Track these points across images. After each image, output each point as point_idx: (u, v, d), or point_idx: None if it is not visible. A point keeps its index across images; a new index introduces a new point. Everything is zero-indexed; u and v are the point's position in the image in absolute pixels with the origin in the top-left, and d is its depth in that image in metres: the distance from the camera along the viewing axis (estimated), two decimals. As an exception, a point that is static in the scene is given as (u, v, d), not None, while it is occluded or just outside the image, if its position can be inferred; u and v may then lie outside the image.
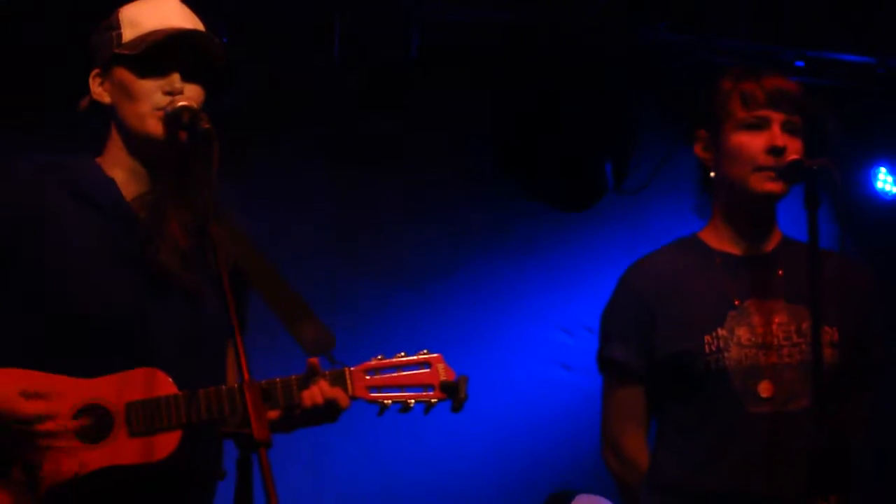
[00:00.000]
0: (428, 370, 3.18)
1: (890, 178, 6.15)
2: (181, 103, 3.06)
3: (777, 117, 3.48)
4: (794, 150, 3.47)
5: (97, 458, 2.98)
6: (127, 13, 3.17)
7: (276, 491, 2.63)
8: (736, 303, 3.51)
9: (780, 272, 3.55)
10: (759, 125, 3.49)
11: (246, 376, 2.73)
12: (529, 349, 5.87)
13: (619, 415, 3.63)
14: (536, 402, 5.77)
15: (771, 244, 3.59)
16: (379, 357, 3.18)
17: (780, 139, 3.46)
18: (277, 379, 3.10)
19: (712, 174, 3.58)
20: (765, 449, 3.41)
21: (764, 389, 3.45)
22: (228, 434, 2.92)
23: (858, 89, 5.91)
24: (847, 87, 5.89)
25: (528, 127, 5.72)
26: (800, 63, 5.74)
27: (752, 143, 3.48)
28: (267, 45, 5.30)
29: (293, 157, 5.54)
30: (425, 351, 3.20)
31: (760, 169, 3.47)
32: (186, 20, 3.18)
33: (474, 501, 5.63)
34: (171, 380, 3.02)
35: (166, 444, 2.97)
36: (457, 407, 3.15)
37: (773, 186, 3.48)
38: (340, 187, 5.65)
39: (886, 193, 6.16)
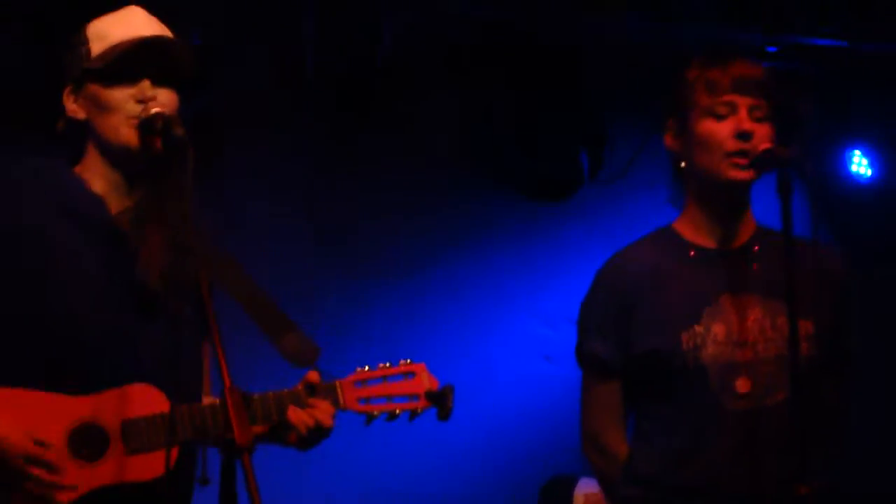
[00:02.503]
0: (413, 379, 3.28)
1: (865, 161, 6.16)
2: (154, 110, 3.09)
3: (743, 102, 3.48)
4: (762, 135, 3.47)
5: (96, 477, 3.00)
6: (94, 28, 3.20)
7: (260, 495, 2.66)
8: (711, 299, 3.51)
9: (755, 266, 3.55)
10: (726, 111, 3.48)
11: (227, 382, 2.76)
12: (510, 342, 5.88)
13: (597, 409, 3.63)
14: (519, 395, 5.78)
15: (745, 235, 3.59)
16: (365, 368, 3.27)
17: (748, 123, 3.46)
18: (270, 393, 3.18)
19: (683, 164, 3.59)
20: (743, 443, 3.43)
21: (741, 385, 3.46)
22: (210, 440, 2.95)
23: (831, 73, 5.92)
24: (820, 72, 5.90)
25: (502, 120, 5.73)
26: (772, 48, 5.75)
27: (720, 129, 3.48)
28: (239, 47, 5.30)
29: (267, 158, 5.53)
30: (408, 360, 3.28)
31: (730, 155, 3.47)
32: (153, 28, 3.20)
33: (460, 495, 5.64)
34: (164, 396, 3.03)
35: (165, 460, 2.98)
36: (444, 416, 3.27)
37: (744, 174, 3.48)
38: (315, 187, 5.65)
39: (861, 176, 6.17)
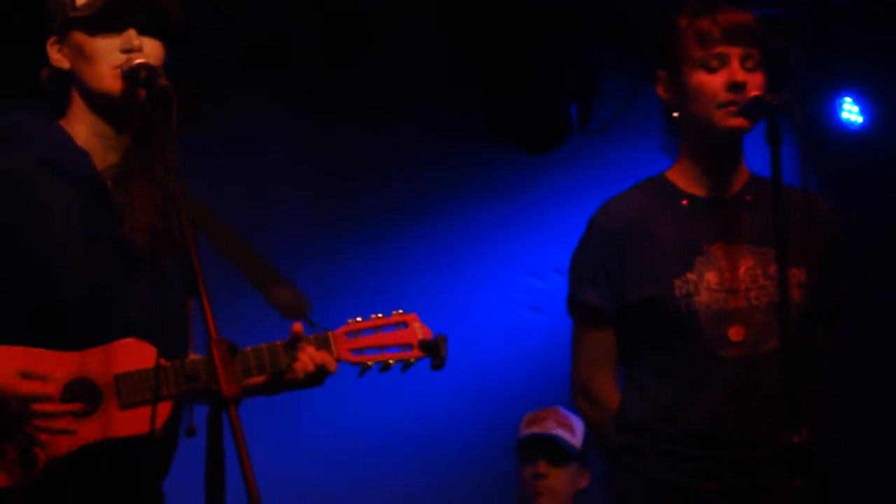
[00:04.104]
0: (406, 329, 3.28)
1: (855, 108, 6.15)
2: (138, 60, 3.07)
3: (735, 52, 3.46)
4: (754, 84, 3.46)
5: (90, 431, 2.99)
6: None
7: (248, 447, 2.65)
8: (704, 247, 3.51)
9: (747, 215, 3.55)
10: (718, 63, 3.47)
11: (214, 334, 2.75)
12: (499, 293, 5.88)
13: (589, 358, 3.63)
14: (508, 346, 5.79)
15: (738, 184, 3.59)
16: (357, 319, 3.27)
17: (740, 74, 3.45)
18: (263, 345, 3.16)
19: (675, 114, 3.58)
20: (736, 390, 3.44)
21: (734, 333, 3.46)
22: (198, 391, 2.95)
23: (822, 19, 5.89)
24: (810, 18, 5.87)
25: (491, 70, 5.71)
26: (762, -6, 5.72)
27: (712, 81, 3.47)
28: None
29: (252, 111, 5.50)
30: (401, 310, 3.28)
31: (723, 105, 3.46)
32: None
33: (450, 444, 5.66)
34: (155, 350, 3.02)
35: (159, 414, 2.98)
36: (438, 365, 3.27)
37: (738, 122, 3.46)
38: (301, 139, 5.62)
39: (852, 124, 6.16)
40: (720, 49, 3.47)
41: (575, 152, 5.83)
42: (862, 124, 6.15)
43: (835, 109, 6.15)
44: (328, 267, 5.48)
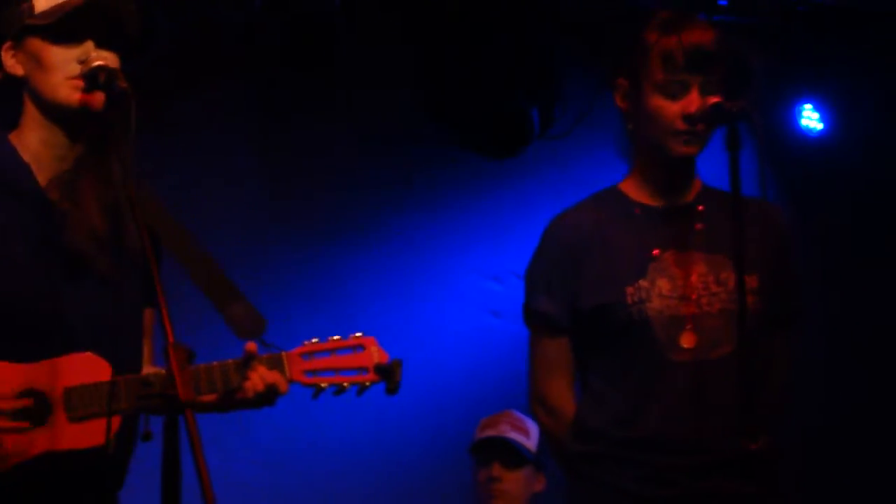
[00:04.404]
0: (362, 352, 3.26)
1: (815, 115, 6.18)
2: (97, 63, 3.05)
3: (695, 80, 3.47)
4: None
5: (38, 443, 2.97)
6: None
7: (204, 452, 2.64)
8: (656, 254, 3.54)
9: (699, 223, 3.58)
10: (678, 90, 3.48)
11: (171, 338, 2.73)
12: (459, 298, 5.88)
13: (544, 366, 3.65)
14: (468, 351, 5.79)
15: (690, 194, 3.63)
16: (313, 340, 3.25)
17: (697, 104, 3.45)
18: (215, 363, 3.13)
19: (630, 126, 3.60)
20: (689, 397, 3.46)
21: (686, 340, 3.48)
22: (153, 396, 2.93)
23: (782, 26, 5.93)
24: (771, 25, 5.90)
25: (452, 75, 5.70)
26: (723, 2, 5.75)
27: (670, 108, 3.49)
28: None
29: (214, 114, 5.49)
30: (359, 334, 3.27)
31: (677, 134, 3.48)
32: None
33: (407, 449, 5.65)
34: (108, 364, 3.00)
35: (106, 428, 2.96)
36: (391, 390, 3.26)
37: (689, 150, 3.51)
38: (263, 144, 5.61)
39: (811, 131, 6.19)
40: (682, 77, 3.48)
41: (536, 157, 5.84)
42: (822, 131, 6.18)
43: (795, 117, 6.18)
44: (284, 273, 5.47)
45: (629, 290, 3.50)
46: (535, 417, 3.75)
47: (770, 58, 5.81)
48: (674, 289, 3.50)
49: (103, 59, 3.06)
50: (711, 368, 3.46)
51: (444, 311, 5.83)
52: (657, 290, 3.50)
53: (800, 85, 6.13)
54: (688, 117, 3.45)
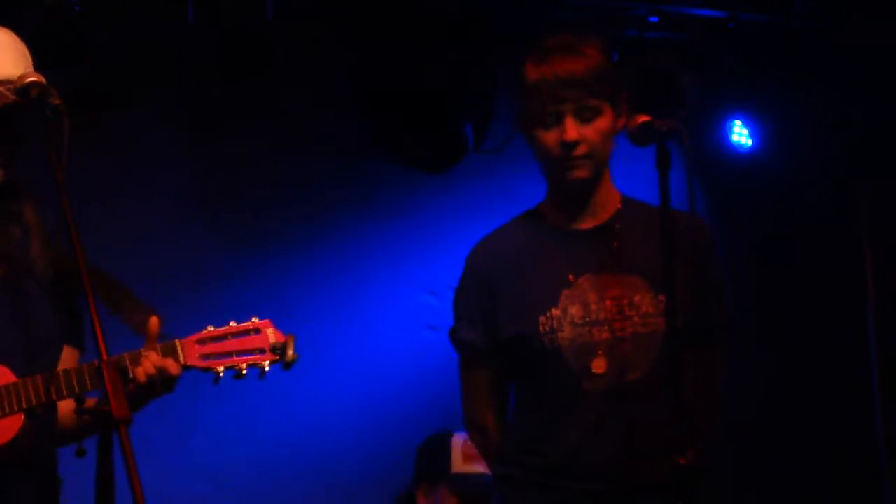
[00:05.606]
0: (258, 335, 3.26)
1: (745, 131, 6.24)
2: (30, 78, 3.04)
3: (568, 108, 3.49)
4: (590, 136, 3.50)
5: None
6: None
7: (137, 468, 2.64)
8: (570, 279, 3.56)
9: (616, 243, 3.60)
10: (552, 120, 3.51)
11: (104, 356, 2.74)
12: (395, 312, 5.88)
13: (473, 393, 3.70)
14: (404, 364, 5.79)
15: (607, 213, 3.64)
16: (209, 328, 3.26)
17: (571, 131, 3.48)
18: (113, 357, 3.12)
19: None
20: (603, 421, 3.49)
21: (597, 366, 3.51)
22: (87, 413, 2.93)
23: (712, 43, 5.99)
24: (701, 42, 5.96)
25: (387, 90, 5.72)
26: (654, 18, 5.80)
27: (547, 138, 3.52)
28: (120, 11, 5.22)
29: (149, 126, 5.47)
30: (255, 318, 3.27)
31: (558, 161, 3.52)
32: (17, 65, 3.14)
33: (345, 463, 5.65)
34: (9, 370, 3.03)
35: (7, 428, 2.96)
36: (286, 365, 3.23)
37: (576, 174, 3.53)
38: (193, 156, 5.59)
39: (742, 146, 6.25)
40: (553, 108, 3.50)
41: (469, 171, 5.87)
42: (751, 147, 6.24)
43: (725, 132, 6.24)
44: (217, 283, 5.45)
45: (542, 319, 3.53)
46: (470, 439, 3.80)
47: (700, 74, 5.87)
48: (586, 315, 3.52)
49: (36, 75, 3.06)
50: (624, 393, 3.49)
51: (380, 324, 5.83)
52: (569, 319, 3.53)
53: (730, 101, 6.19)
54: (565, 144, 3.48)
